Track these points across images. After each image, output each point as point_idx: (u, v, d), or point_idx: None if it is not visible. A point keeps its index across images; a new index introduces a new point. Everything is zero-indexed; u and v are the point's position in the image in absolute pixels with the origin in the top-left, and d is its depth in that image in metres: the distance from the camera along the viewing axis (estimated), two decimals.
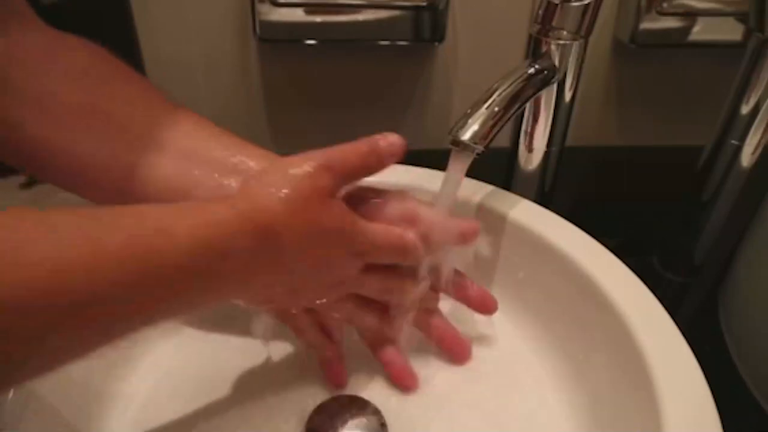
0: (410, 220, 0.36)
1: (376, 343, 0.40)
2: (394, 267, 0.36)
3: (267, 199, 0.30)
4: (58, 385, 0.33)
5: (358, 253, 0.34)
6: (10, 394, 0.31)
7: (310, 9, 0.50)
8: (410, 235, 0.35)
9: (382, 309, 0.38)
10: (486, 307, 0.40)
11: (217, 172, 0.34)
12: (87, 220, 0.24)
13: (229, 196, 0.31)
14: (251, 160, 0.35)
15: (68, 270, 0.22)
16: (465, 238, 0.37)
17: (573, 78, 0.43)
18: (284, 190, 0.30)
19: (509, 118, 0.39)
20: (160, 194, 0.33)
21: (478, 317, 0.43)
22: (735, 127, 0.45)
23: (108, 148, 0.33)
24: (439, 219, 0.36)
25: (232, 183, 0.34)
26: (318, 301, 0.36)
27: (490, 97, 0.38)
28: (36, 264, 0.21)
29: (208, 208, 0.28)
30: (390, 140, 0.34)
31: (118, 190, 0.33)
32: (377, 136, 0.34)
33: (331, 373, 0.39)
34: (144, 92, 0.36)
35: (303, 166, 0.31)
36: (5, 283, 0.20)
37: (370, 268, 0.35)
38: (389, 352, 0.39)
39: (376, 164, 0.34)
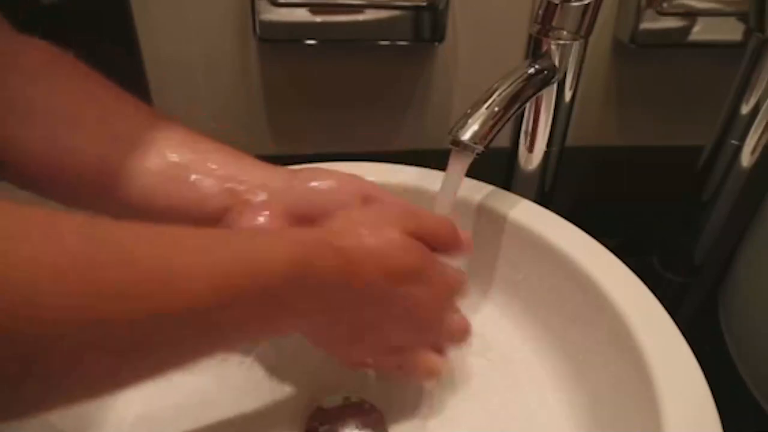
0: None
1: None
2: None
3: (352, 235, 0.30)
4: None
5: (437, 292, 0.34)
6: None
7: (310, 9, 0.50)
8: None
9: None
10: None
11: (205, 182, 0.34)
12: (194, 233, 0.25)
13: (316, 228, 0.32)
14: (244, 173, 0.35)
15: (187, 279, 0.23)
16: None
17: (573, 78, 0.43)
18: (369, 229, 0.31)
19: (509, 118, 0.39)
20: (144, 198, 0.33)
21: (479, 317, 0.43)
22: (735, 127, 0.45)
23: (97, 152, 0.33)
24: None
25: (218, 195, 0.34)
26: (398, 349, 0.35)
27: (490, 97, 0.38)
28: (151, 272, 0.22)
29: (293, 232, 0.30)
30: (466, 234, 0.36)
31: (99, 195, 0.33)
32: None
33: None
34: (122, 101, 0.35)
35: (385, 214, 0.33)
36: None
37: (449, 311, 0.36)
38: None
39: (451, 242, 0.35)
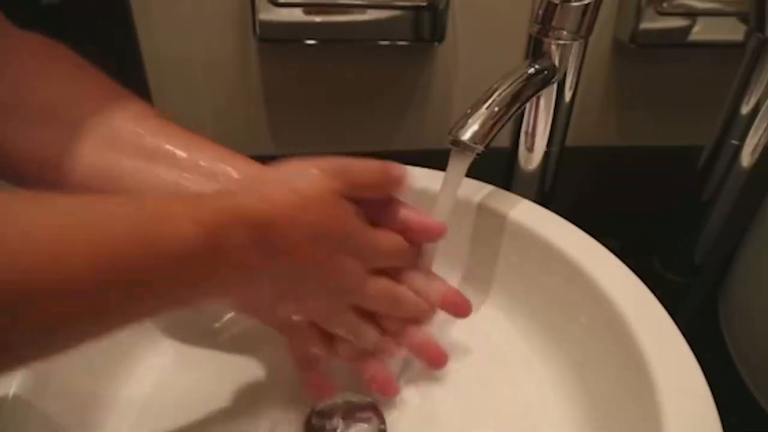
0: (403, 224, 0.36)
1: (360, 358, 0.38)
2: (394, 275, 0.36)
3: (272, 195, 0.29)
4: (57, 393, 0.33)
5: (362, 257, 0.33)
6: (9, 397, 0.31)
7: (310, 9, 0.50)
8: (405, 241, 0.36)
9: (379, 324, 0.37)
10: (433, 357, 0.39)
11: (153, 163, 0.32)
12: (87, 205, 0.24)
13: (231, 190, 0.31)
14: (202, 158, 0.33)
15: (71, 256, 0.21)
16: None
17: (573, 78, 0.43)
18: (291, 189, 0.30)
19: (509, 118, 0.39)
20: (87, 183, 0.32)
21: (478, 317, 0.43)
22: (735, 127, 0.45)
23: (37, 139, 0.32)
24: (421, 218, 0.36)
25: (170, 176, 0.32)
26: (321, 311, 0.35)
27: (490, 97, 0.38)
28: (39, 249, 0.21)
29: (209, 198, 0.28)
30: (398, 169, 0.35)
31: (44, 180, 0.32)
32: (389, 162, 0.35)
33: (314, 385, 0.38)
34: (86, 80, 0.34)
35: (311, 169, 0.31)
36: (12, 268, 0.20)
37: (372, 275, 0.35)
38: (373, 366, 0.38)
39: (384, 185, 0.35)
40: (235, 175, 0.33)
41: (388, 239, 0.35)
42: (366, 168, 0.34)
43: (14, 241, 0.20)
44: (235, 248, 0.27)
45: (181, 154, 0.33)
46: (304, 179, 0.31)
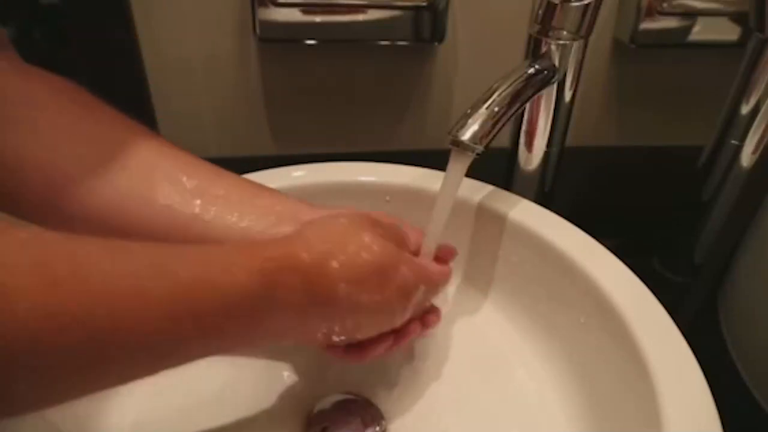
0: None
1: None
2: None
3: (321, 244, 0.30)
4: None
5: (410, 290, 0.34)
6: None
7: (310, 9, 0.50)
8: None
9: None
10: None
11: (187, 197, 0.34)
12: (161, 257, 0.25)
13: (285, 237, 0.32)
14: (232, 193, 0.35)
15: (149, 306, 0.23)
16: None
17: (573, 78, 0.43)
18: (340, 240, 0.31)
19: (509, 118, 0.39)
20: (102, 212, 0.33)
21: (478, 317, 0.43)
22: (735, 127, 0.45)
23: (68, 157, 0.33)
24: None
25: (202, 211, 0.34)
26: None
27: (490, 97, 0.38)
28: (119, 295, 0.22)
29: (262, 247, 0.29)
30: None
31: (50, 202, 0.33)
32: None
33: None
34: (117, 121, 0.35)
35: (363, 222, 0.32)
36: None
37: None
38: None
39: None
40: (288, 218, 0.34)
41: (425, 269, 0.35)
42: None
43: (96, 289, 0.22)
44: (286, 294, 0.29)
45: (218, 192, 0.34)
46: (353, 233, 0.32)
